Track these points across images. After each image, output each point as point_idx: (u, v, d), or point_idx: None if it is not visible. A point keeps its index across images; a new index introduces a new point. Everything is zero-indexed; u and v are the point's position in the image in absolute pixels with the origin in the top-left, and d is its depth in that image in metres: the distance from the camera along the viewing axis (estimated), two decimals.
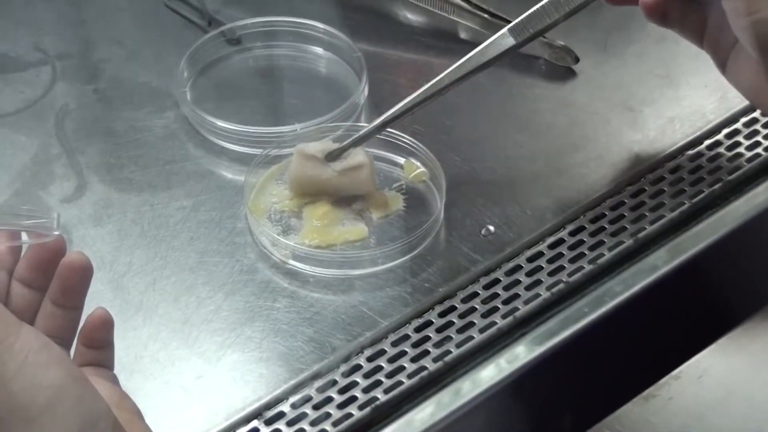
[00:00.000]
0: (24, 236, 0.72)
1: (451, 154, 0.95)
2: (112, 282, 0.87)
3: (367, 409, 0.79)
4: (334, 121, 0.96)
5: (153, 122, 0.99)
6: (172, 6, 1.10)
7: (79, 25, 1.10)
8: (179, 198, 0.93)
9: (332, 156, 0.90)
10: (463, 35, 1.06)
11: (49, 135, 0.99)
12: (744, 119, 0.98)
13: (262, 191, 0.93)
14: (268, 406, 0.80)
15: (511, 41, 0.89)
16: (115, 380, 0.74)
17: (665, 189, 0.92)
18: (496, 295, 0.86)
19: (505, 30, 0.89)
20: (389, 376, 0.81)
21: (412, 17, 1.08)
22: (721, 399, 0.83)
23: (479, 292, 0.86)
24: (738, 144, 0.96)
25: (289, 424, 0.79)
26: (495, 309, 0.85)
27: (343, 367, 0.82)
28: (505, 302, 0.85)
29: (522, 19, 0.89)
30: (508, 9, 1.02)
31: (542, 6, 0.89)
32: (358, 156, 0.91)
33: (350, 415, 0.79)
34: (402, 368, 0.82)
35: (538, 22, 0.89)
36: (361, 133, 0.91)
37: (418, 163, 0.94)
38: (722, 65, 0.86)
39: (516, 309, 0.85)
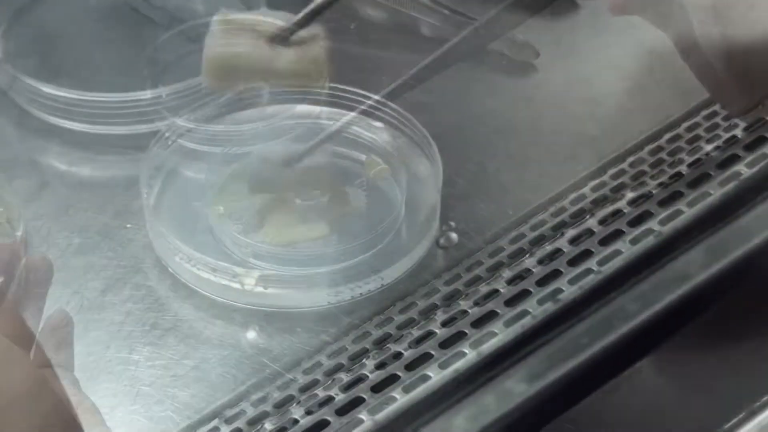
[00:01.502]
0: None
1: (412, 150, 0.95)
2: (71, 283, 0.87)
3: (325, 408, 0.79)
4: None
5: None
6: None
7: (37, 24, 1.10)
8: None
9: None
10: (423, 31, 1.06)
11: None
12: (704, 113, 0.98)
13: (223, 190, 0.92)
14: (229, 404, 0.80)
15: (473, 41, 0.89)
16: (74, 382, 0.74)
17: (626, 183, 0.93)
18: (457, 292, 0.86)
19: (468, 30, 0.89)
20: (348, 371, 0.81)
21: (372, 13, 1.08)
22: (683, 392, 0.84)
23: (440, 288, 0.86)
24: (698, 138, 0.96)
25: (250, 423, 0.79)
26: (456, 305, 0.85)
27: (305, 365, 0.82)
28: (466, 298, 0.85)
29: (486, 19, 0.89)
30: (467, 5, 1.02)
31: (509, 5, 0.88)
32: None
33: (311, 411, 0.79)
34: (363, 366, 0.82)
35: (502, 21, 0.89)
36: (322, 135, 0.90)
37: (379, 160, 0.94)
38: (686, 55, 0.86)
39: (477, 304, 0.85)
